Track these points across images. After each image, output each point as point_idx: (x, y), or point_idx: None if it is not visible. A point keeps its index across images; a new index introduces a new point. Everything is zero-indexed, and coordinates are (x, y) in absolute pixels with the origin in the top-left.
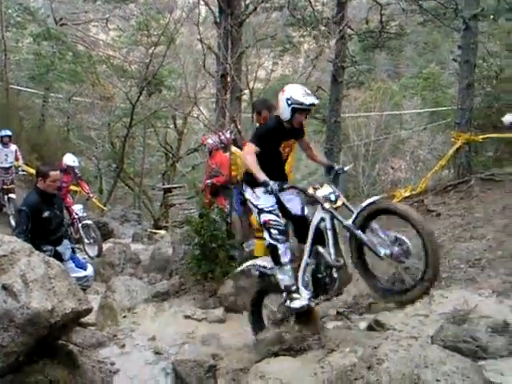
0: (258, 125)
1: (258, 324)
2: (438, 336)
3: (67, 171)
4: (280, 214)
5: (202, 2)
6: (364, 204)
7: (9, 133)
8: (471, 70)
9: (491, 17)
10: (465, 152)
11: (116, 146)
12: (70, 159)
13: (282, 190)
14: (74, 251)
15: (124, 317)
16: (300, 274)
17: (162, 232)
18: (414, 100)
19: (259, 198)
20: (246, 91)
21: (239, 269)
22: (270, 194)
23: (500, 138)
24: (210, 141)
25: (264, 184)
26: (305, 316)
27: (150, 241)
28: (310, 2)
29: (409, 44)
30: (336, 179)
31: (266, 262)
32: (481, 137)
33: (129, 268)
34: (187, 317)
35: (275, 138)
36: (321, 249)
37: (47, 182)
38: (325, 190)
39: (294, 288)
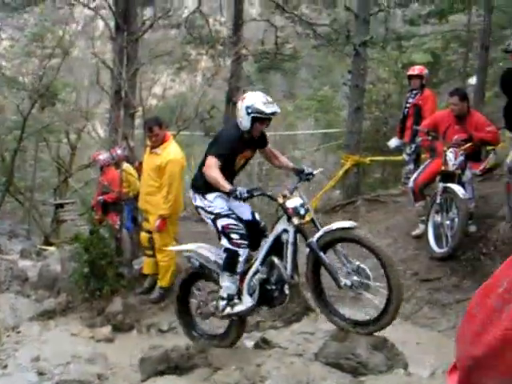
0: (148, 142)
1: (183, 314)
2: (321, 353)
3: None
4: (238, 218)
5: (98, 17)
6: (334, 227)
7: None
8: (361, 94)
9: (380, 44)
10: (353, 173)
11: (6, 159)
12: None
13: (251, 196)
14: None
15: (7, 336)
16: (246, 280)
17: (52, 248)
18: (307, 121)
19: (212, 203)
20: (140, 108)
21: (179, 248)
22: (238, 199)
23: (386, 161)
24: (101, 157)
25: (232, 192)
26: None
27: (38, 257)
28: (207, 21)
29: (304, 66)
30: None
31: (210, 254)
32: (369, 159)
33: (15, 285)
34: (73, 335)
35: (234, 149)
36: (277, 260)
37: None
38: (295, 201)
39: (236, 296)
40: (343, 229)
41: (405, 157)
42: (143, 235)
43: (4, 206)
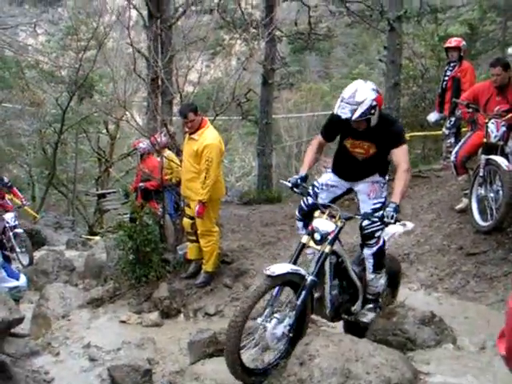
0: (186, 129)
1: None
2: (369, 330)
3: None
4: None
5: (131, 6)
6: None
7: None
8: (397, 70)
9: (415, 18)
10: None
11: (47, 152)
12: None
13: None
14: (8, 260)
15: (58, 325)
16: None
17: (97, 238)
18: None
19: None
20: (177, 94)
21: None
22: None
23: (426, 136)
24: (141, 145)
25: None
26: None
27: (84, 247)
28: (239, 5)
29: (338, 45)
30: None
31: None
32: (409, 135)
33: (63, 275)
34: (122, 322)
35: None
36: None
37: None
38: (321, 223)
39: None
40: None
41: (445, 131)
42: (185, 221)
43: (48, 198)
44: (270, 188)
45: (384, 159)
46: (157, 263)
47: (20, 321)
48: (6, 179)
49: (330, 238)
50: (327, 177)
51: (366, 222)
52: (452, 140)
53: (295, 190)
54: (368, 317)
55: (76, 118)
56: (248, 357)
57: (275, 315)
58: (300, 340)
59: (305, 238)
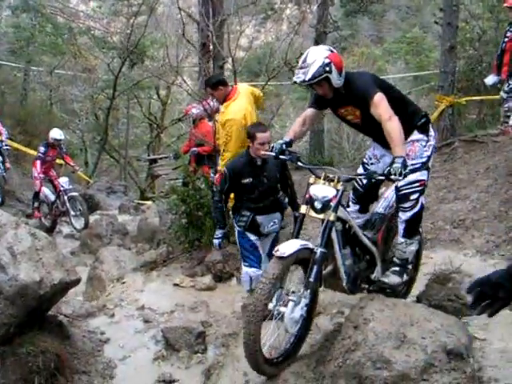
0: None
1: None
2: (424, 295)
3: (54, 145)
4: None
5: None
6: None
7: None
8: (454, 33)
9: None
10: (448, 115)
11: (100, 118)
12: (56, 133)
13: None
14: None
15: (113, 287)
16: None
17: (149, 203)
18: (397, 64)
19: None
20: (229, 59)
21: None
22: None
23: (483, 100)
24: (194, 110)
25: None
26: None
27: (136, 212)
28: None
29: (391, 8)
30: None
31: None
32: (464, 99)
33: (116, 239)
34: (175, 285)
35: None
36: None
37: (255, 145)
38: (321, 189)
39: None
40: None
41: (502, 95)
42: None
43: (101, 163)
44: (322, 153)
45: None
46: (210, 227)
47: (77, 282)
48: (63, 145)
49: (332, 204)
50: (371, 148)
51: (402, 183)
52: (510, 104)
53: (281, 157)
54: (391, 278)
55: (127, 84)
56: (266, 347)
57: (290, 298)
58: (311, 321)
59: (303, 208)
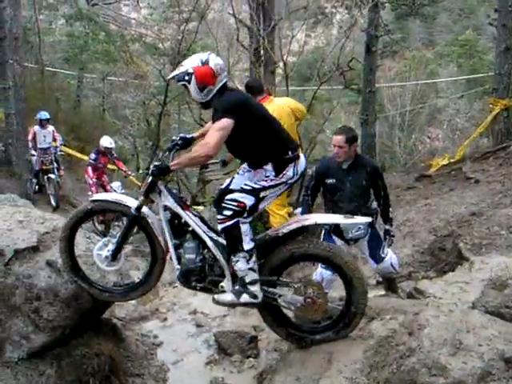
0: None
1: None
2: (480, 302)
3: (104, 153)
4: None
5: None
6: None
7: (48, 116)
8: (509, 34)
9: None
10: (503, 118)
11: (151, 123)
12: (106, 141)
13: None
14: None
15: (165, 291)
16: None
17: (200, 208)
18: (449, 68)
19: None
20: (280, 64)
21: None
22: None
23: None
24: None
25: None
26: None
27: None
28: None
29: (443, 11)
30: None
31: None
32: None
33: None
34: None
35: None
36: None
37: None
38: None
39: None
40: None
41: None
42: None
43: None
44: (373, 157)
45: (251, 139)
46: (261, 232)
47: None
48: (113, 151)
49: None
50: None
51: (228, 196)
52: None
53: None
54: (221, 295)
55: (179, 90)
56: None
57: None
58: None
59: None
